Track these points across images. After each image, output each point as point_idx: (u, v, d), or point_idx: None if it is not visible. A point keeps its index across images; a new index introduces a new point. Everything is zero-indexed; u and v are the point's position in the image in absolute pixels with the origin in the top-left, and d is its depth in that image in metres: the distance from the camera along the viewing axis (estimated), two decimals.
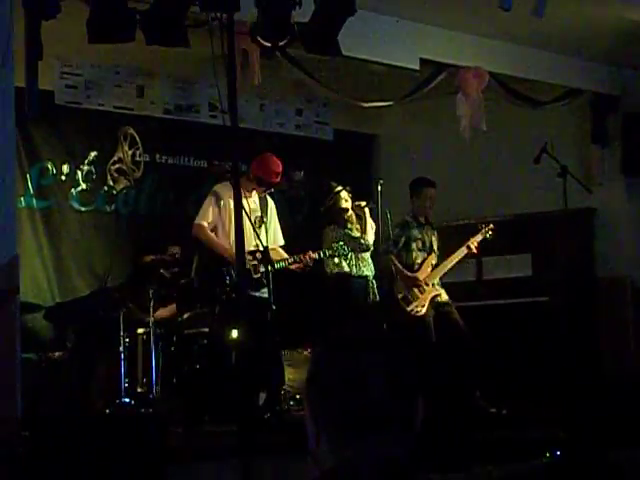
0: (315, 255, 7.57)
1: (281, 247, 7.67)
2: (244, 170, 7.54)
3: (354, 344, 1.83)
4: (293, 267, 7.51)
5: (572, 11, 7.93)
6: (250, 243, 7.31)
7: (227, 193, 7.40)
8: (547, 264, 9.66)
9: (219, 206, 7.44)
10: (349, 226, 8.25)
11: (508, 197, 9.96)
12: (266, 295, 7.19)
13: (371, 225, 8.29)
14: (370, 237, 8.25)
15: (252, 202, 7.53)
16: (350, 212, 8.26)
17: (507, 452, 6.69)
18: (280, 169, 7.52)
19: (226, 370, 7.30)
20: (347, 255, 7.94)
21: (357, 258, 8.26)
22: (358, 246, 8.11)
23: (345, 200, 8.25)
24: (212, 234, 7.43)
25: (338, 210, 8.25)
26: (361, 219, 8.28)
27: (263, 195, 7.61)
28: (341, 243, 7.79)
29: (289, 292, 7.73)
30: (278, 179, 7.53)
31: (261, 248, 7.18)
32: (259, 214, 7.50)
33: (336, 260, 8.14)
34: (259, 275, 7.29)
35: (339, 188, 8.30)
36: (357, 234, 8.21)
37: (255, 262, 7.31)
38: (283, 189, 7.68)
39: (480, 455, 6.54)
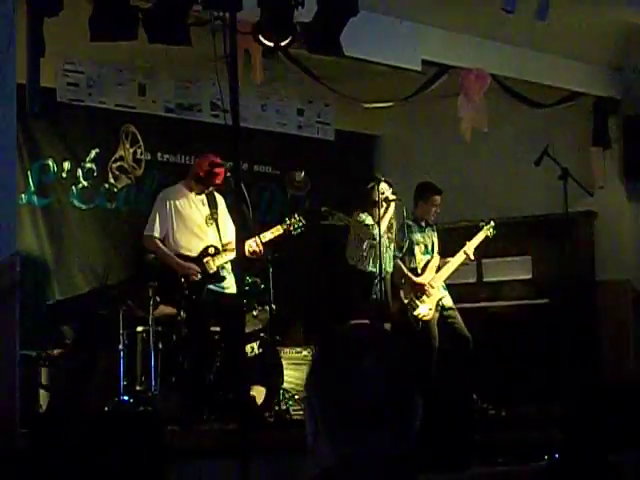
0: (264, 237, 7.51)
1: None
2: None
3: (354, 344, 1.83)
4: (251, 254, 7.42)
5: (574, 14, 7.94)
6: (205, 242, 7.36)
7: (171, 196, 7.47)
8: (547, 267, 9.66)
9: (165, 212, 7.45)
10: (373, 216, 8.15)
11: (509, 199, 9.95)
12: (228, 290, 7.24)
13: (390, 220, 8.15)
14: (380, 229, 8.09)
15: (199, 201, 7.52)
16: (384, 205, 8.12)
17: (506, 454, 6.70)
18: (222, 170, 7.41)
19: (221, 369, 7.36)
20: (300, 230, 7.76)
21: (369, 253, 8.16)
22: (365, 234, 8.09)
23: (381, 192, 8.10)
24: (160, 245, 7.44)
25: (370, 200, 8.17)
26: (385, 211, 8.12)
27: (209, 192, 7.54)
28: (296, 216, 7.73)
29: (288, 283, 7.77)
30: (219, 180, 7.44)
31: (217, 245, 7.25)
32: (208, 212, 7.50)
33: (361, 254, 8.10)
34: (215, 270, 7.35)
35: (380, 178, 8.17)
36: (370, 222, 8.14)
37: (209, 258, 7.35)
38: (278, 186, 7.57)
39: (479, 456, 6.54)
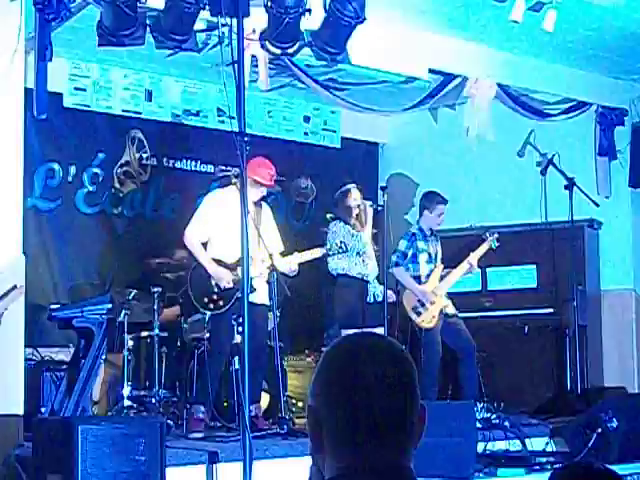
0: (304, 256, 7.48)
1: (281, 253, 7.56)
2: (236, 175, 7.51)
3: (358, 352, 1.82)
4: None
5: (581, 24, 7.94)
6: (251, 250, 7.29)
7: (225, 200, 7.34)
8: (552, 276, 9.65)
9: (209, 214, 7.37)
10: (351, 223, 8.26)
11: (514, 208, 9.95)
12: (258, 301, 7.15)
13: (369, 226, 8.29)
14: (367, 236, 8.22)
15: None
16: (357, 210, 8.28)
17: (509, 463, 6.69)
18: (274, 171, 7.43)
19: (225, 375, 7.33)
20: (340, 254, 7.81)
21: (358, 256, 8.23)
22: (354, 243, 8.14)
23: (354, 199, 8.25)
24: (199, 245, 7.33)
25: (345, 207, 8.26)
26: (365, 219, 8.28)
27: (257, 200, 7.52)
28: (336, 242, 7.73)
29: (290, 293, 7.77)
30: (272, 182, 7.43)
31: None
32: (252, 221, 7.42)
33: (337, 258, 8.11)
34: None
35: (350, 185, 8.32)
36: (354, 232, 8.23)
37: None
38: (283, 192, 7.65)
39: (482, 465, 6.54)
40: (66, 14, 5.75)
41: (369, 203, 8.24)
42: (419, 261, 8.41)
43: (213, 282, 7.24)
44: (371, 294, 8.27)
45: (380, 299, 8.22)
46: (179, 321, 8.02)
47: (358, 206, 8.24)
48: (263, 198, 7.53)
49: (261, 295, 7.21)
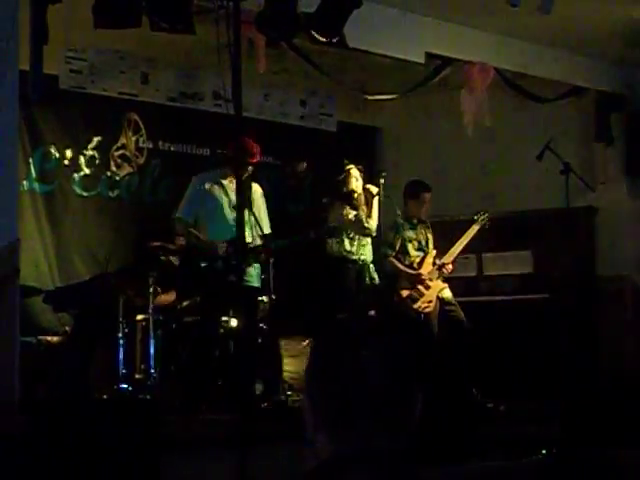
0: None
1: (268, 235, 7.55)
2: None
3: (354, 336, 1.83)
4: None
5: (579, 9, 7.92)
6: (233, 231, 7.29)
7: (204, 181, 7.40)
8: (548, 261, 9.66)
9: (197, 196, 7.39)
10: (355, 205, 8.22)
11: (510, 193, 9.96)
12: (250, 283, 7.18)
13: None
14: (374, 223, 8.20)
15: (233, 189, 7.43)
16: (359, 193, 8.22)
17: (503, 448, 6.71)
18: (257, 149, 7.40)
19: (220, 358, 7.34)
20: (337, 237, 7.78)
21: (358, 240, 8.23)
22: (360, 229, 8.14)
23: (355, 179, 8.21)
24: (190, 229, 7.38)
25: (347, 189, 8.22)
26: (369, 204, 8.23)
27: (244, 178, 7.45)
28: (334, 224, 7.73)
29: (286, 275, 7.77)
30: (255, 159, 7.38)
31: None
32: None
33: (335, 241, 8.12)
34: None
35: (350, 165, 8.28)
36: (362, 216, 8.20)
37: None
38: (279, 176, 7.59)
39: (476, 451, 6.56)
40: None
41: (375, 190, 8.16)
42: (408, 250, 8.42)
43: (204, 262, 7.23)
44: (368, 278, 8.25)
45: (377, 282, 8.22)
46: (175, 305, 8.01)
47: (363, 189, 8.17)
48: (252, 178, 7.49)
49: (252, 277, 7.24)
